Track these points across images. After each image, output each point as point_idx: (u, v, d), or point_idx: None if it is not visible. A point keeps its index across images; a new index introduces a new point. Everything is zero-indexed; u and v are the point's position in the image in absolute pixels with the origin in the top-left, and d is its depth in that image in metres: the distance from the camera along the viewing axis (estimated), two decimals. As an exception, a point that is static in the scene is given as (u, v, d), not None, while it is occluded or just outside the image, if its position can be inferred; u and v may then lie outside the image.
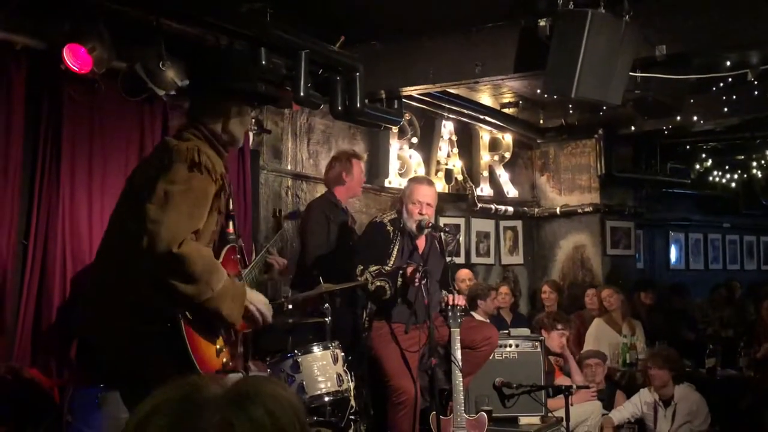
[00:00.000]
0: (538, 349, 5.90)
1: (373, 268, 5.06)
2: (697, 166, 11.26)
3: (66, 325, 4.49)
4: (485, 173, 9.02)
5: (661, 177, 10.17)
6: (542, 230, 9.80)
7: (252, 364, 4.52)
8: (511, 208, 9.25)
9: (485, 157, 9.02)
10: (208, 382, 1.14)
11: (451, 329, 5.13)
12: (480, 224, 9.05)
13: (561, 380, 6.34)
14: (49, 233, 4.54)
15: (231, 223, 4.08)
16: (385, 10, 5.70)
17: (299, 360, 4.49)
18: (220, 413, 1.09)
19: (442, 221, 8.05)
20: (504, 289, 8.16)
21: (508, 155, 9.19)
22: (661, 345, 7.30)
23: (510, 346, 5.85)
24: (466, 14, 5.67)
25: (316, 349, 4.58)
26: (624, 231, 9.71)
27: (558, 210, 9.60)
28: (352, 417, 4.76)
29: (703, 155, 11.12)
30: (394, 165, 7.68)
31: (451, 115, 8.01)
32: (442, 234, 5.41)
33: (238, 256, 3.64)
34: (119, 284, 3.10)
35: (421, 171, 7.81)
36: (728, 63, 6.07)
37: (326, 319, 4.86)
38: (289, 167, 6.68)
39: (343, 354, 4.69)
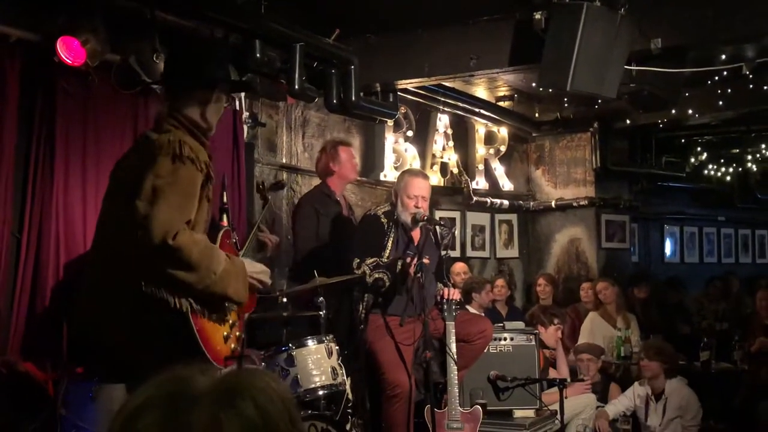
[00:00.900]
0: (533, 343, 5.91)
1: (369, 260, 5.07)
2: (692, 160, 11.26)
3: (60, 319, 4.48)
4: (480, 166, 9.02)
5: (656, 170, 10.18)
6: (537, 224, 9.81)
7: (249, 351, 4.53)
8: (506, 202, 9.25)
9: (480, 150, 9.02)
10: (197, 375, 1.12)
11: (446, 322, 5.14)
12: (475, 217, 9.06)
13: (555, 374, 6.35)
14: (42, 226, 4.52)
15: (225, 216, 4.09)
16: (380, 3, 5.69)
17: (294, 353, 4.48)
18: (209, 409, 1.07)
19: (438, 214, 8.05)
20: (499, 282, 8.16)
21: (503, 148, 9.19)
22: (656, 338, 7.32)
23: (505, 339, 5.87)
24: (462, 7, 5.66)
25: (311, 343, 4.58)
26: (619, 224, 9.72)
27: (553, 203, 9.60)
28: (349, 410, 4.76)
29: (699, 149, 11.12)
30: (389, 158, 7.67)
31: (446, 109, 8.00)
32: (437, 227, 5.41)
33: (234, 240, 3.65)
34: (119, 279, 3.10)
35: (416, 164, 7.80)
36: (723, 57, 6.07)
37: (321, 313, 4.86)
38: (284, 160, 6.67)
39: (337, 347, 4.69)
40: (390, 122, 7.26)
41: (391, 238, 5.22)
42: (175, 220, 2.97)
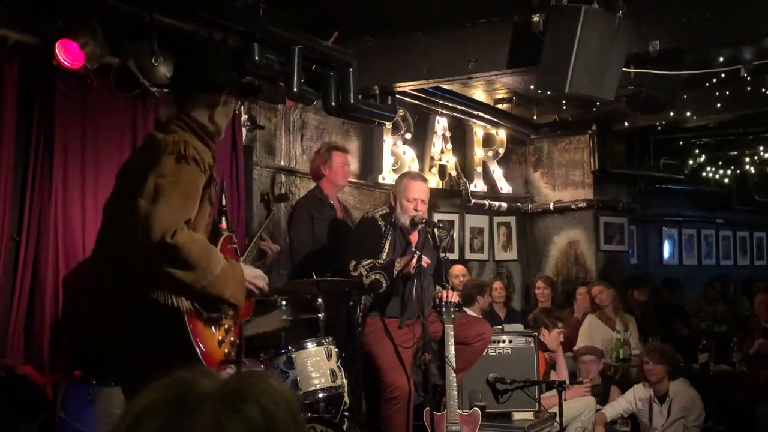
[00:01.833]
0: (532, 345, 5.91)
1: (366, 262, 5.07)
2: (691, 162, 11.26)
3: (58, 322, 4.48)
4: (479, 169, 9.02)
5: (655, 173, 10.18)
6: (536, 226, 9.81)
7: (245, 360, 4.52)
8: (504, 204, 9.26)
9: (479, 152, 9.02)
10: (200, 378, 1.11)
11: (445, 325, 5.14)
12: (474, 220, 9.06)
13: (555, 377, 6.34)
14: (41, 229, 4.52)
15: (224, 219, 4.09)
16: (378, 6, 5.70)
17: (293, 356, 4.49)
18: (212, 414, 1.06)
19: (436, 217, 8.05)
20: (498, 284, 8.16)
21: (501, 151, 9.20)
22: (655, 340, 7.32)
23: (503, 341, 5.86)
24: (460, 10, 5.67)
25: (310, 345, 4.58)
26: (617, 226, 9.72)
27: (551, 206, 9.60)
28: (346, 413, 4.76)
29: (697, 151, 11.12)
30: (387, 161, 7.68)
31: (444, 111, 8.00)
32: (435, 230, 5.41)
33: (235, 245, 3.65)
34: (119, 280, 3.10)
35: (414, 167, 7.80)
36: (721, 59, 6.07)
37: (319, 315, 4.86)
38: (282, 163, 6.67)
39: (336, 350, 4.70)
40: (388, 125, 7.26)
41: (389, 241, 5.23)
42: (175, 218, 2.98)
